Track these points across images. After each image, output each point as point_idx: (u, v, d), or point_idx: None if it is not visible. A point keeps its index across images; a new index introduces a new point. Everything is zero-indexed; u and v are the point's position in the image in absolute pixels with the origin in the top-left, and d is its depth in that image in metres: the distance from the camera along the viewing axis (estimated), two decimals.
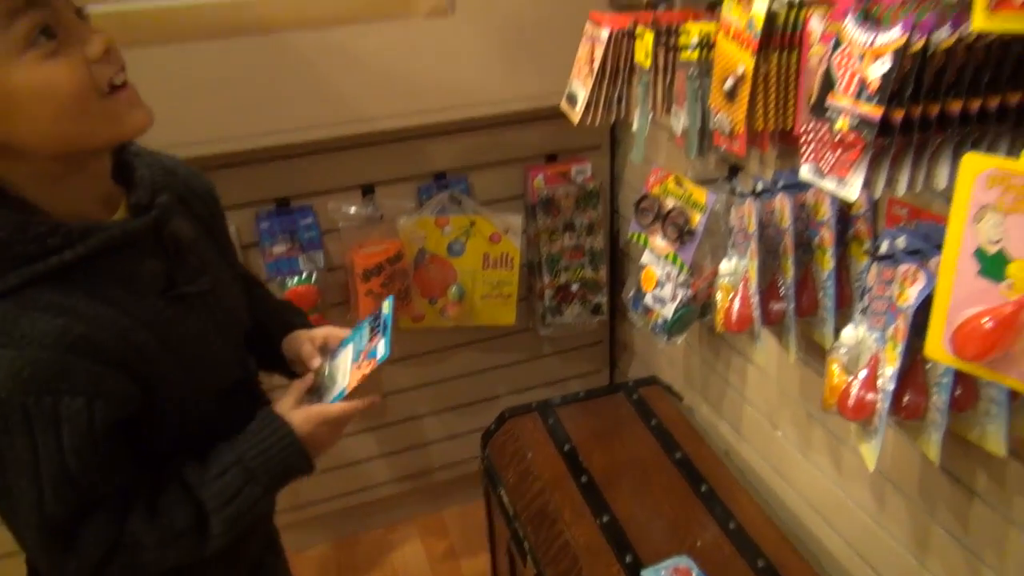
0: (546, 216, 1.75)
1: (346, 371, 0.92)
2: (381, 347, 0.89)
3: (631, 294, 1.48)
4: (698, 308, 1.40)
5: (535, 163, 1.75)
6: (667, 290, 1.40)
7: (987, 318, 0.65)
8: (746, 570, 1.19)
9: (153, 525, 0.79)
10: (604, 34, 1.28)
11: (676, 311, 1.39)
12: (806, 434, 1.32)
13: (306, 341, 1.00)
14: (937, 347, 0.70)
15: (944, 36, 0.70)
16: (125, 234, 0.76)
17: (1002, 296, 0.65)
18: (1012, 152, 0.76)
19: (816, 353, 1.21)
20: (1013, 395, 0.85)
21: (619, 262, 1.91)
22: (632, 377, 1.83)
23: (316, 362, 0.97)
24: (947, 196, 0.69)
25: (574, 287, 1.82)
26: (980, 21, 0.61)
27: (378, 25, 1.47)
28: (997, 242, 0.64)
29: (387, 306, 0.97)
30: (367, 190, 1.64)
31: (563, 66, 1.38)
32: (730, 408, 1.54)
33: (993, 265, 0.65)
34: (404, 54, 1.50)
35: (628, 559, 1.22)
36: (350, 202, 1.63)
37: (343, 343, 0.98)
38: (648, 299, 1.44)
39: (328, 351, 0.99)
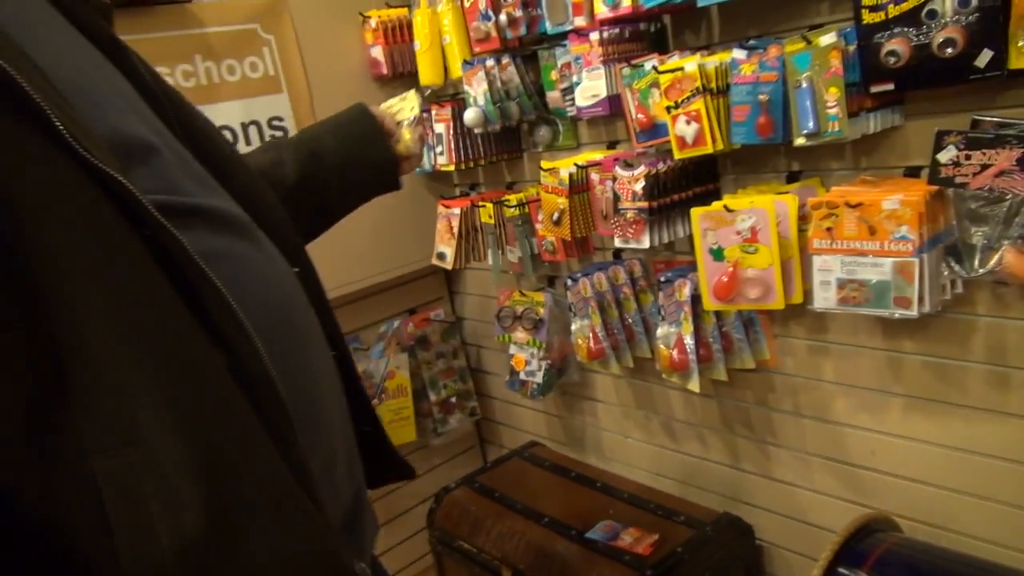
0: (422, 351, 2.35)
1: None
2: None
3: (508, 379, 2.12)
4: (556, 372, 2.08)
5: (403, 316, 2.37)
6: (534, 365, 2.07)
7: (723, 277, 1.42)
8: (645, 513, 1.82)
9: None
10: (456, 211, 2.00)
11: (543, 377, 2.05)
12: (644, 427, 2.02)
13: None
14: (708, 302, 1.46)
15: (662, 167, 1.51)
16: None
17: (726, 267, 1.42)
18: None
19: (640, 369, 1.94)
20: (747, 335, 1.64)
21: (476, 375, 2.55)
22: (508, 448, 2.42)
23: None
24: (688, 239, 1.48)
25: (453, 399, 2.41)
26: (676, 154, 1.43)
27: None
28: (716, 244, 1.42)
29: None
30: None
31: (417, 242, 2.06)
32: (592, 439, 2.20)
33: (718, 254, 1.43)
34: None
35: (573, 533, 1.78)
36: None
37: None
38: (522, 375, 2.09)
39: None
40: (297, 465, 0.62)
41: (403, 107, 1.22)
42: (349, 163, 1.12)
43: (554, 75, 1.75)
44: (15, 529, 0.50)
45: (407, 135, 1.17)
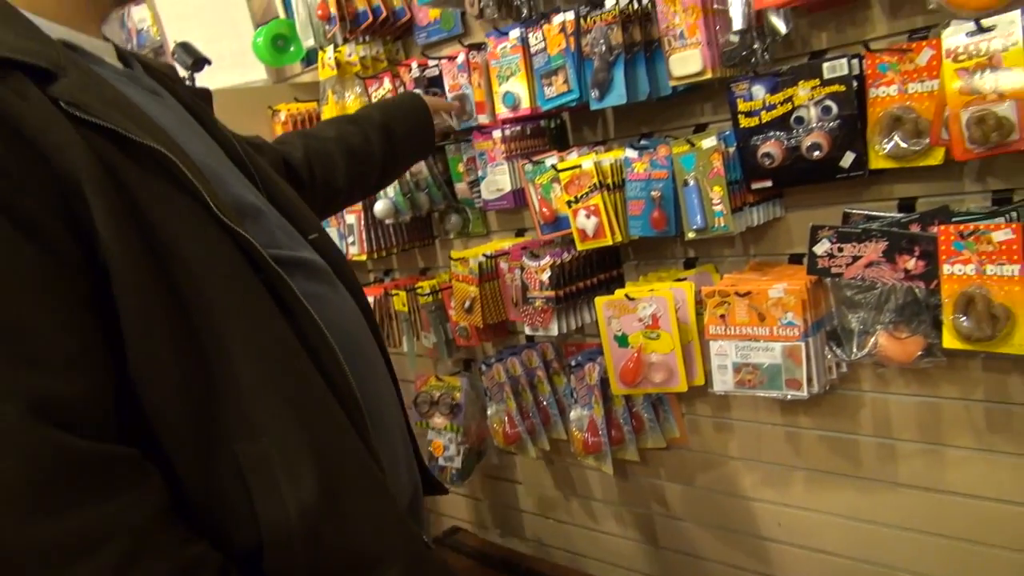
0: None
1: None
2: None
3: (427, 463, 2.10)
4: (475, 455, 2.08)
5: None
6: (452, 449, 2.06)
7: (628, 363, 1.47)
8: None
9: None
10: (370, 299, 2.00)
11: (463, 461, 2.05)
12: (564, 508, 2.03)
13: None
14: (616, 387, 1.51)
15: (567, 257, 1.57)
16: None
17: (631, 353, 1.48)
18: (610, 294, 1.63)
19: (557, 450, 1.96)
20: (657, 415, 1.69)
21: None
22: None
23: None
24: (595, 324, 1.53)
25: None
26: (579, 245, 1.49)
27: None
28: (620, 331, 1.48)
29: None
30: None
31: None
32: (514, 522, 2.20)
33: (623, 340, 1.48)
34: None
35: None
36: None
37: None
38: (440, 461, 2.08)
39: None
40: (374, 454, 0.82)
41: None
42: (411, 134, 1.50)
43: (461, 167, 1.81)
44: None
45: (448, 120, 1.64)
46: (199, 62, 1.95)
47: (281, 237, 0.88)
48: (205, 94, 1.04)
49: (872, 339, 1.23)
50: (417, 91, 1.65)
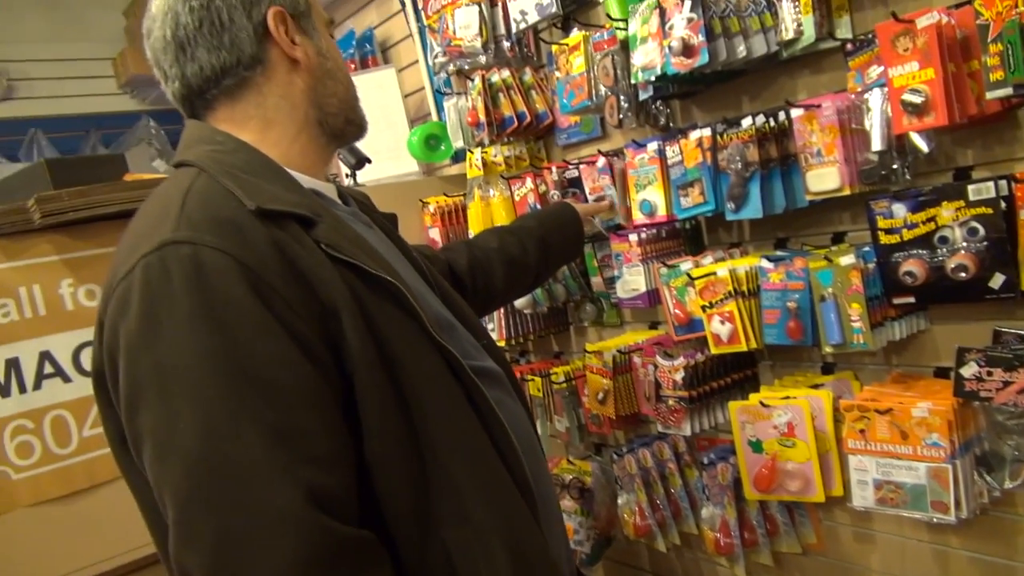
0: None
1: None
2: None
3: None
4: (604, 541, 2.10)
5: None
6: (581, 534, 2.10)
7: (763, 469, 1.47)
8: None
9: None
10: None
11: (592, 546, 2.08)
12: None
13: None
14: (749, 492, 1.50)
15: (701, 358, 1.60)
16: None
17: (765, 459, 1.47)
18: (743, 396, 1.64)
19: (687, 543, 1.95)
20: (792, 519, 1.66)
21: None
22: None
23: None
24: (728, 423, 1.54)
25: None
26: (713, 350, 1.51)
27: None
28: (754, 436, 1.48)
29: None
30: None
31: None
32: None
33: (757, 446, 1.48)
34: None
35: None
36: None
37: None
38: (571, 544, 2.11)
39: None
40: (547, 541, 0.95)
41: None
42: (563, 244, 1.63)
43: (595, 262, 1.88)
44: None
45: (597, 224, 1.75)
46: (361, 161, 2.15)
47: (469, 347, 1.01)
48: (393, 218, 1.20)
49: None
50: (568, 200, 1.76)
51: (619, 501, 1.92)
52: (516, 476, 0.92)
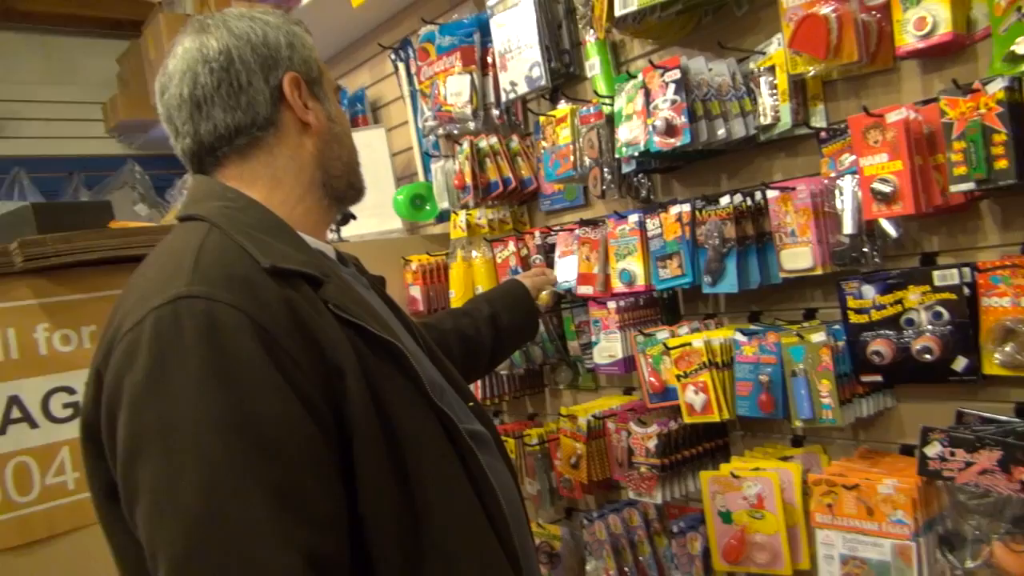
0: None
1: None
2: None
3: None
4: None
5: None
6: None
7: (732, 540, 1.48)
8: None
9: None
10: None
11: None
12: None
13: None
14: (718, 563, 1.51)
15: (674, 426, 1.62)
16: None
17: (734, 530, 1.49)
18: (715, 466, 1.66)
19: None
20: None
21: None
22: None
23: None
24: (699, 492, 1.56)
25: None
26: (686, 419, 1.54)
27: None
28: (724, 507, 1.50)
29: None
30: None
31: None
32: None
33: (726, 517, 1.50)
34: None
35: None
36: None
37: None
38: None
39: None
40: None
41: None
42: (514, 324, 1.62)
43: (573, 326, 1.91)
44: None
45: (544, 297, 1.74)
46: (346, 217, 2.18)
47: (459, 411, 1.02)
48: (382, 281, 1.22)
49: (987, 549, 1.20)
50: (518, 277, 1.77)
51: (587, 567, 1.91)
52: (506, 548, 0.93)
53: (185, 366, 0.75)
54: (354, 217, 2.18)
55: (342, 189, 1.07)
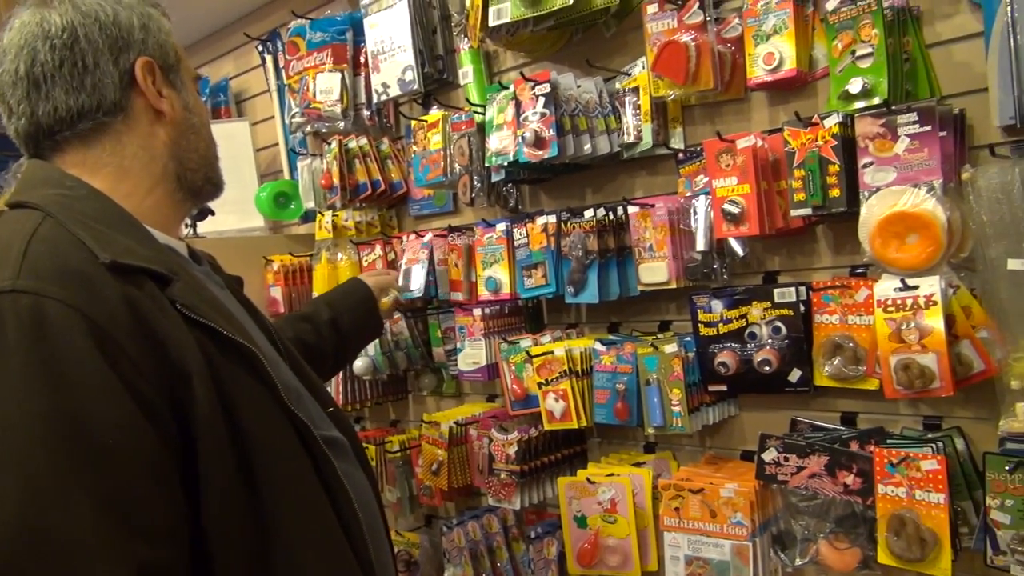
0: None
1: None
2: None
3: None
4: None
5: None
6: None
7: (586, 544, 1.52)
8: None
9: None
10: None
11: None
12: None
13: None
14: (572, 567, 1.55)
15: (535, 433, 1.65)
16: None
17: (588, 535, 1.53)
18: (572, 472, 1.70)
19: None
20: None
21: None
22: None
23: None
24: (556, 498, 1.59)
25: None
26: (546, 425, 1.57)
27: None
28: (580, 512, 1.54)
29: None
30: None
31: None
32: None
33: (582, 522, 1.54)
34: None
35: None
36: None
37: None
38: None
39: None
40: None
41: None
42: (356, 325, 1.56)
43: (439, 333, 1.91)
44: None
45: (387, 302, 1.64)
46: (203, 212, 2.07)
47: (316, 416, 0.99)
48: (239, 281, 1.17)
49: (814, 547, 1.30)
50: (361, 276, 1.69)
51: (445, 574, 1.90)
52: (360, 558, 0.90)
53: (7, 366, 0.69)
54: (212, 212, 2.08)
55: (198, 183, 1.01)
